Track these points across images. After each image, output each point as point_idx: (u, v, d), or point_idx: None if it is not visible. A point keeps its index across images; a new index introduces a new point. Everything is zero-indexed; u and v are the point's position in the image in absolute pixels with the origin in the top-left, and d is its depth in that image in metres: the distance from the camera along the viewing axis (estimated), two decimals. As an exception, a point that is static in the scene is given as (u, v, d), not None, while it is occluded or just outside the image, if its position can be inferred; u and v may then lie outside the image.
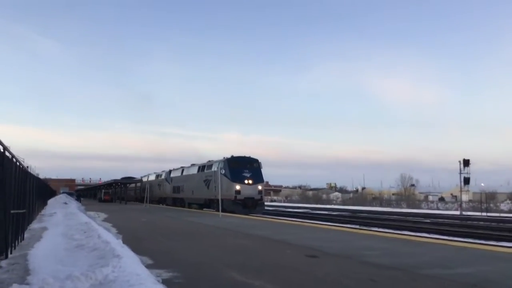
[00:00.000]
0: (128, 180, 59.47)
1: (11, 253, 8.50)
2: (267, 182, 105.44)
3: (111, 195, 64.14)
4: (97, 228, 13.44)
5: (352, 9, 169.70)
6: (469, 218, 33.79)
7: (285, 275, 7.16)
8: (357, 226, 23.90)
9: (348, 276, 7.04)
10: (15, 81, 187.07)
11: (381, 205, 72.74)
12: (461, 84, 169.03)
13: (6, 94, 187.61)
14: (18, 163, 9.70)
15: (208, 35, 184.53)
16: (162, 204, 47.15)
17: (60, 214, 22.90)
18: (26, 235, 12.44)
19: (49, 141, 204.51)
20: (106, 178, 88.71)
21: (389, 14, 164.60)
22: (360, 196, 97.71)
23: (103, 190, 66.94)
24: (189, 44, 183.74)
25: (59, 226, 15.21)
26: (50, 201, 45.39)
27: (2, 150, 6.89)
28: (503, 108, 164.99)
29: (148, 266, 7.79)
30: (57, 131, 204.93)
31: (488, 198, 52.69)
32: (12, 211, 8.32)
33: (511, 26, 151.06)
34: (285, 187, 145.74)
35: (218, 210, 25.41)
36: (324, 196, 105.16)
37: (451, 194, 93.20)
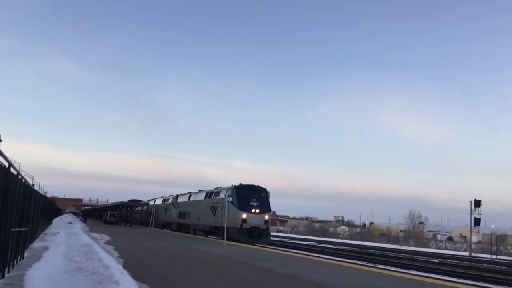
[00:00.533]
0: (134, 203, 59.20)
1: (8, 272, 8.28)
2: (274, 212, 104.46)
3: (116, 217, 63.80)
4: (99, 251, 13.20)
5: (366, 46, 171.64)
6: (478, 260, 32.88)
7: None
8: (364, 263, 23.27)
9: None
10: (31, 100, 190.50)
11: (388, 242, 71.33)
12: (476, 124, 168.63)
13: (21, 111, 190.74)
14: (23, 180, 9.59)
15: (222, 66, 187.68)
16: (167, 229, 46.70)
17: (63, 234, 22.70)
18: (26, 254, 12.23)
19: (60, 160, 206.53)
20: (113, 199, 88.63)
21: (406, 53, 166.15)
22: (367, 231, 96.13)
23: (109, 212, 66.64)
24: (202, 75, 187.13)
25: (60, 247, 14.99)
26: (55, 220, 45.32)
27: (7, 166, 6.77)
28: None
29: (146, 294, 7.54)
30: (69, 151, 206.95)
31: (498, 240, 51.47)
32: (13, 229, 8.15)
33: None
34: (292, 218, 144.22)
35: (223, 238, 25.00)
36: (331, 229, 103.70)
37: (460, 234, 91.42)
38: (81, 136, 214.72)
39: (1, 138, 7.54)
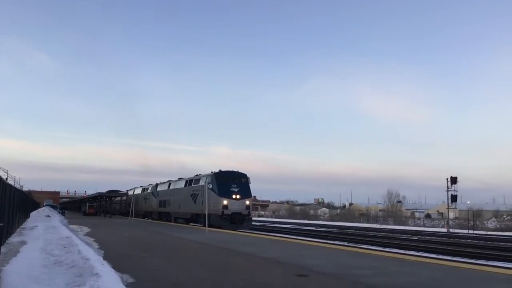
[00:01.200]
0: (113, 193, 58.54)
1: (-17, 269, 8.01)
2: (254, 197, 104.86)
3: (95, 208, 63.02)
4: (78, 243, 12.95)
5: (344, 25, 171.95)
6: (456, 235, 33.67)
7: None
8: (346, 243, 23.54)
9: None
10: (2, 93, 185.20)
11: (368, 221, 72.55)
12: (450, 103, 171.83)
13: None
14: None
15: (200, 49, 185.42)
16: (148, 218, 46.40)
17: (41, 227, 22.26)
18: (2, 249, 11.89)
19: (36, 154, 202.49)
20: (91, 191, 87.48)
21: (382, 31, 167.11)
22: (347, 212, 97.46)
23: (87, 203, 65.77)
24: (179, 59, 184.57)
25: (38, 240, 14.66)
26: (33, 214, 44.44)
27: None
28: (491, 127, 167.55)
29: (128, 285, 7.41)
30: (45, 144, 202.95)
31: (475, 216, 52.79)
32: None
33: (502, 44, 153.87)
34: (273, 202, 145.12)
35: (205, 225, 24.92)
36: (312, 211, 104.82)
37: (437, 211, 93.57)
38: (57, 129, 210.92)
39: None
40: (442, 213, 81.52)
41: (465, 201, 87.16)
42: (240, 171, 31.93)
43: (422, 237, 31.67)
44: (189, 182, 36.03)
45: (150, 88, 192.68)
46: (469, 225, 45.88)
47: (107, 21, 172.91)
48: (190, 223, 33.49)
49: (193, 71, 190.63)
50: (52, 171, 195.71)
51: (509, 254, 19.32)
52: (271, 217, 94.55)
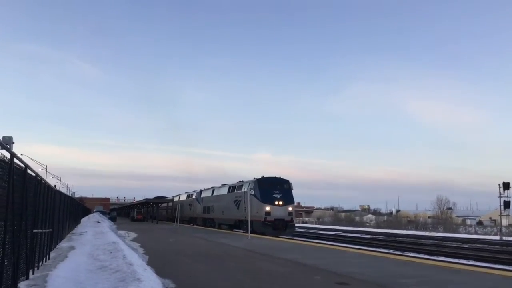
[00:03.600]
0: (160, 199, 59.86)
1: (33, 273, 8.38)
2: (298, 203, 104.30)
3: (143, 214, 64.66)
4: (123, 249, 13.31)
5: (386, 29, 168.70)
6: (509, 243, 32.05)
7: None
8: (391, 251, 22.94)
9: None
10: (55, 103, 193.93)
11: (416, 229, 70.25)
12: (500, 106, 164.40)
13: (45, 114, 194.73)
14: (44, 182, 9.67)
15: (240, 57, 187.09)
16: (193, 224, 47.07)
17: (90, 233, 23.04)
18: (52, 254, 12.40)
19: (87, 161, 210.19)
20: (139, 197, 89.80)
21: (428, 36, 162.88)
22: (394, 219, 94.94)
23: (135, 209, 67.60)
24: (220, 67, 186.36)
25: (86, 246, 15.18)
26: (83, 220, 46.12)
27: (24, 168, 6.79)
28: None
29: (169, 291, 7.51)
30: (95, 152, 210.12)
31: (531, 223, 50.09)
32: (35, 231, 8.23)
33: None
34: (317, 208, 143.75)
35: (247, 231, 25.00)
36: (357, 218, 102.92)
37: (490, 218, 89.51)
38: (106, 137, 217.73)
39: (13, 141, 7.48)
40: (494, 220, 77.88)
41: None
42: (282, 177, 31.88)
43: (473, 245, 30.35)
44: (232, 188, 36.29)
45: (191, 95, 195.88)
46: (525, 232, 43.55)
47: (158, 36, 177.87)
48: (234, 229, 33.69)
49: (232, 77, 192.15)
50: (102, 178, 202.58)
51: None
52: (315, 224, 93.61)
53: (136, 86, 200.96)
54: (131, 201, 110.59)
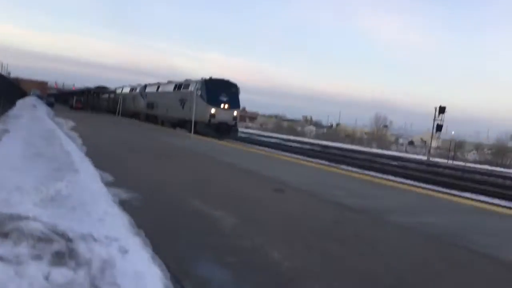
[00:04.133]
0: (101, 89, 57.95)
1: (-39, 155, 7.99)
2: (243, 108, 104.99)
3: (83, 103, 62.68)
4: (61, 137, 12.96)
5: None
6: (435, 164, 34.57)
7: (247, 208, 6.97)
8: (327, 162, 24.08)
9: (312, 215, 6.91)
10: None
11: (352, 143, 73.85)
12: (445, 31, 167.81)
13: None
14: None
15: None
16: (135, 119, 46.47)
17: (26, 117, 22.11)
18: (-16, 136, 11.84)
19: (23, 39, 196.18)
20: (80, 85, 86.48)
21: None
22: (333, 132, 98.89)
23: (75, 97, 65.29)
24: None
25: (22, 130, 14.60)
26: (19, 102, 44.06)
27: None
28: (484, 59, 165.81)
29: (107, 184, 7.46)
30: (31, 30, 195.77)
31: (456, 147, 53.87)
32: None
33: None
34: (261, 115, 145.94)
35: (190, 132, 25.06)
36: (299, 128, 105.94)
37: (421, 139, 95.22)
38: (49, 16, 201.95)
39: None
40: (425, 141, 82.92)
41: (450, 131, 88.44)
42: (230, 80, 31.57)
43: (402, 163, 32.46)
44: (178, 86, 35.62)
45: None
46: (450, 155, 46.98)
47: None
48: (177, 128, 33.66)
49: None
50: (41, 60, 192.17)
51: (480, 187, 20.00)
52: (258, 130, 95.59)
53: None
54: (71, 88, 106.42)
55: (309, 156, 28.20)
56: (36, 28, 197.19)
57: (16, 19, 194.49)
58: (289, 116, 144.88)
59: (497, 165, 47.85)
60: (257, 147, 29.27)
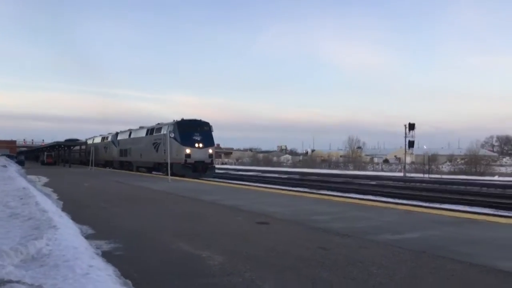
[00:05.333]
0: (72, 142, 57.19)
1: None
2: (218, 145, 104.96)
3: (54, 157, 61.58)
4: (36, 195, 12.62)
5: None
6: (412, 180, 35.11)
7: (234, 244, 6.89)
8: (307, 190, 24.16)
9: (299, 244, 6.88)
10: None
11: (329, 167, 74.49)
12: (407, 48, 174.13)
13: None
14: None
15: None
16: (109, 168, 45.84)
17: (-4, 178, 21.54)
18: (-46, 203, 11.46)
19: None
20: (49, 140, 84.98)
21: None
22: (309, 158, 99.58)
23: (45, 153, 64.14)
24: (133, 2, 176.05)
25: (-7, 193, 14.19)
26: (-12, 165, 42.92)
27: None
28: (445, 72, 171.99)
29: (88, 237, 7.32)
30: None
31: (430, 160, 54.92)
32: None
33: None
34: (236, 150, 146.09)
35: (167, 174, 24.85)
36: (275, 158, 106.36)
37: (395, 156, 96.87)
38: (9, 75, 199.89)
39: None
40: (399, 158, 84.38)
41: (422, 146, 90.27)
42: (202, 119, 31.73)
43: (380, 181, 32.85)
44: (150, 131, 35.55)
45: (106, 33, 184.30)
46: (425, 169, 47.80)
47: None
48: (153, 172, 33.35)
49: (148, 15, 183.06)
50: (7, 119, 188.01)
51: (459, 197, 20.38)
52: (235, 165, 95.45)
53: (40, 17, 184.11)
54: (40, 144, 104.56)
55: (288, 185, 28.25)
56: (0, 88, 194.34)
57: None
58: (264, 147, 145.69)
59: (471, 174, 48.90)
60: (236, 182, 29.18)
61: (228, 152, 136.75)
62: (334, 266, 5.52)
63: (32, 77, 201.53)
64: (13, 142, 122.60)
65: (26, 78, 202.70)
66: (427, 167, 48.67)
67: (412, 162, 67.21)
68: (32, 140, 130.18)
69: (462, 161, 65.49)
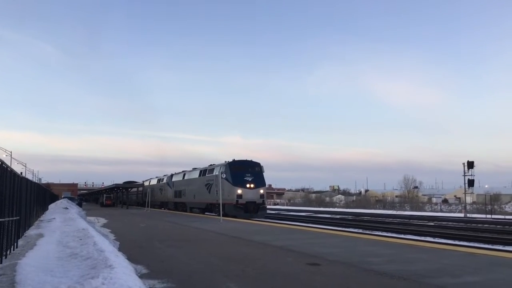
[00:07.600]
0: (129, 184, 59.23)
1: (1, 262, 8.19)
2: (269, 185, 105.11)
3: (112, 199, 63.87)
4: (94, 235, 13.12)
5: (354, 12, 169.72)
6: (473, 220, 33.33)
7: (284, 285, 6.81)
8: (361, 230, 23.50)
9: (350, 287, 6.70)
10: (18, 88, 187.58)
11: (384, 208, 72.17)
12: (464, 86, 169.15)
13: (9, 100, 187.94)
14: (9, 169, 9.40)
15: (209, 39, 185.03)
16: (164, 209, 46.86)
17: (58, 219, 22.60)
18: (20, 242, 12.14)
19: (53, 147, 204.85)
20: (108, 182, 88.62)
21: (392, 17, 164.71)
22: (363, 198, 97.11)
23: (104, 195, 66.70)
24: (189, 49, 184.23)
25: (55, 233, 14.89)
26: (51, 206, 45.15)
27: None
28: (505, 110, 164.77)
29: (142, 276, 7.48)
30: (61, 137, 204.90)
31: (492, 200, 52.09)
32: (1, 219, 8.02)
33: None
34: (288, 190, 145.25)
35: (219, 215, 25.07)
36: (328, 199, 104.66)
37: (455, 196, 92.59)
38: (72, 121, 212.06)
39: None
40: (459, 198, 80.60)
41: (483, 185, 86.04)
42: (253, 160, 32.04)
43: (439, 222, 31.43)
44: (203, 172, 36.23)
45: (158, 80, 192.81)
46: (487, 209, 45.32)
47: (123, 16, 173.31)
48: (205, 213, 33.73)
49: (200, 62, 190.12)
50: (70, 163, 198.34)
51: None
52: (287, 205, 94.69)
53: (104, 70, 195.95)
54: (100, 186, 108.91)
55: (341, 226, 27.62)
56: (59, 133, 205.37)
57: (40, 128, 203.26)
58: (316, 187, 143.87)
59: (539, 214, 45.75)
60: (287, 222, 28.88)
61: (280, 193, 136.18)
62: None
63: (93, 122, 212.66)
64: (75, 185, 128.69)
65: (88, 124, 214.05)
66: (489, 207, 46.13)
67: (474, 202, 63.95)
68: (93, 182, 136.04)
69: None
